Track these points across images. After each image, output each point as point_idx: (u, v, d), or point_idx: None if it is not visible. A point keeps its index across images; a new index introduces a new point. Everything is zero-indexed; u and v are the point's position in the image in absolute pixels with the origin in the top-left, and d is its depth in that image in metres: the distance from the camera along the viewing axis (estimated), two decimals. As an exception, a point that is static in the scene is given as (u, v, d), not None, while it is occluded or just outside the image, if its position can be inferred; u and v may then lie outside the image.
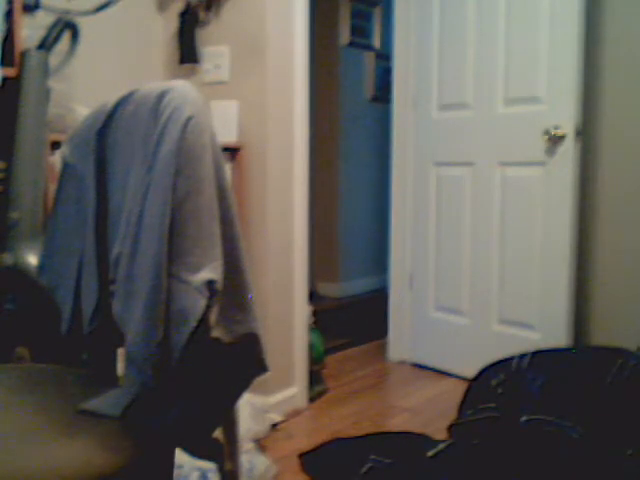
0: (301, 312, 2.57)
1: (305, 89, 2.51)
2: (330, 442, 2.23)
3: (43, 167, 1.75)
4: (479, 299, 2.90)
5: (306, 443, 2.25)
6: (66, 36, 1.93)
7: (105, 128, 1.12)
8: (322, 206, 4.76)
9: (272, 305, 2.43)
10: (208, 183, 0.92)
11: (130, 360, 0.93)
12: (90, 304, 1.11)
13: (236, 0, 2.41)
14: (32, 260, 1.68)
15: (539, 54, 2.63)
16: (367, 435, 2.29)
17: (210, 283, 0.89)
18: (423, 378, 2.98)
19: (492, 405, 1.95)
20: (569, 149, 2.56)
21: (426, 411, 2.57)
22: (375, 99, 4.88)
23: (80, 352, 1.26)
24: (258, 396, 2.32)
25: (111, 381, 1.12)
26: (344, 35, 4.62)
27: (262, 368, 1.00)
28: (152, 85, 1.03)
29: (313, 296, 3.67)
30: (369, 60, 4.82)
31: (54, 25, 1.87)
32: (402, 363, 3.20)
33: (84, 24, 2.17)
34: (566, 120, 2.55)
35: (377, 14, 4.88)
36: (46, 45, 1.84)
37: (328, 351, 3.28)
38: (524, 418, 1.83)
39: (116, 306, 0.98)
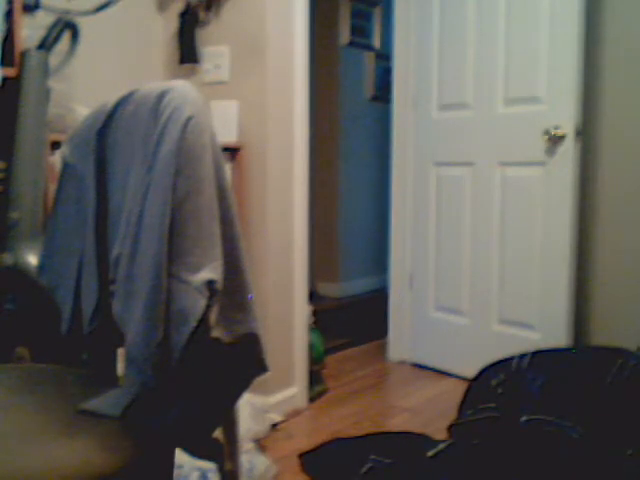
0: (301, 312, 2.57)
1: (305, 89, 2.51)
2: (330, 442, 2.23)
3: (43, 167, 1.75)
4: (479, 299, 2.90)
5: (306, 443, 2.25)
6: (66, 36, 1.93)
7: (105, 128, 1.12)
8: (322, 206, 4.76)
9: (272, 305, 2.43)
10: (208, 183, 0.92)
11: (130, 360, 0.93)
12: (90, 304, 1.11)
13: (236, 0, 2.41)
14: (32, 260, 1.68)
15: (539, 54, 2.63)
16: (367, 435, 2.29)
17: (210, 283, 0.89)
18: (423, 378, 2.98)
19: (492, 405, 1.95)
20: (569, 149, 2.56)
21: (426, 411, 2.57)
22: (375, 99, 4.88)
23: (80, 352, 1.26)
24: (258, 396, 2.32)
25: (111, 381, 1.12)
26: (344, 35, 4.62)
27: (262, 368, 1.00)
28: (152, 85, 1.03)
29: (313, 296, 3.67)
30: (369, 60, 4.82)
31: (54, 25, 1.87)
32: (402, 363, 3.20)
33: (84, 24, 2.17)
34: (566, 120, 2.55)
35: (377, 14, 4.88)
36: (46, 45, 1.84)
37: (328, 351, 3.28)
38: (524, 418, 1.83)
39: (116, 306, 0.98)
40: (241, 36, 2.40)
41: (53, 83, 1.92)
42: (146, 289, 0.90)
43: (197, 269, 0.89)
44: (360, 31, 4.74)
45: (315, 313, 2.77)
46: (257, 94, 2.37)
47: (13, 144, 1.72)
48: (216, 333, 0.93)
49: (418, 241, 3.14)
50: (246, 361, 1.00)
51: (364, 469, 1.97)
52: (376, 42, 4.88)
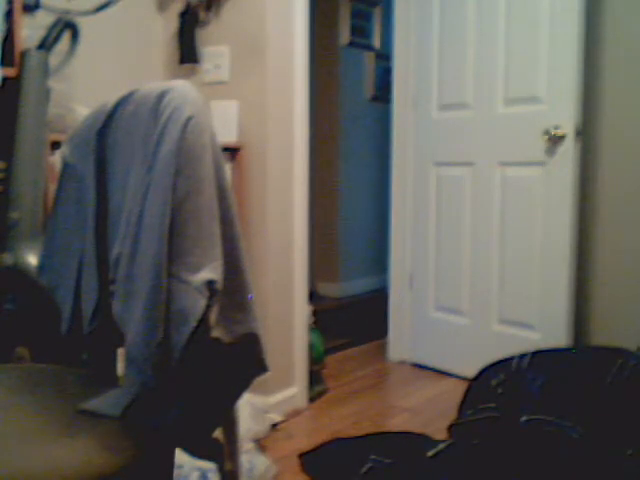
0: (301, 312, 2.57)
1: (305, 89, 2.51)
2: (330, 442, 2.23)
3: (43, 167, 1.75)
4: (479, 299, 2.90)
5: (306, 443, 2.25)
6: (66, 36, 1.93)
7: (105, 128, 1.12)
8: (322, 206, 4.76)
9: (272, 305, 2.43)
10: (208, 183, 0.92)
11: (130, 360, 0.93)
12: (90, 304, 1.11)
13: (236, 0, 2.41)
14: (32, 260, 1.68)
15: (539, 54, 2.63)
16: (367, 435, 2.29)
17: (210, 283, 0.89)
18: (423, 378, 2.98)
19: (492, 405, 1.95)
20: (569, 149, 2.56)
21: (426, 411, 2.57)
22: (375, 99, 4.88)
23: (80, 352, 1.26)
24: (258, 396, 2.32)
25: (111, 381, 1.12)
26: (344, 35, 4.62)
27: (262, 368, 1.00)
28: (152, 85, 1.03)
29: (313, 296, 3.67)
30: (369, 60, 4.82)
31: (54, 25, 1.87)
32: (402, 363, 3.20)
33: (84, 24, 2.17)
34: (566, 120, 2.55)
35: (377, 14, 4.88)
36: (46, 45, 1.84)
37: (328, 351, 3.28)
38: (524, 418, 1.83)
39: (116, 306, 0.98)
40: (241, 36, 2.40)
41: (53, 83, 1.92)
42: (146, 289, 0.90)
43: (197, 269, 0.89)
44: (360, 31, 4.74)
45: (315, 313, 2.77)
46: (257, 94, 2.37)
47: (13, 144, 1.72)
48: (216, 333, 0.93)
49: (418, 241, 3.14)
50: (246, 361, 1.00)
51: (364, 469, 1.97)
52: (376, 42, 4.88)
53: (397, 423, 2.45)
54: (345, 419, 2.48)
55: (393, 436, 2.28)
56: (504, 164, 2.79)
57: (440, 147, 3.02)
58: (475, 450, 1.85)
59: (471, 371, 2.31)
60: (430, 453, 1.92)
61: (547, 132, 2.59)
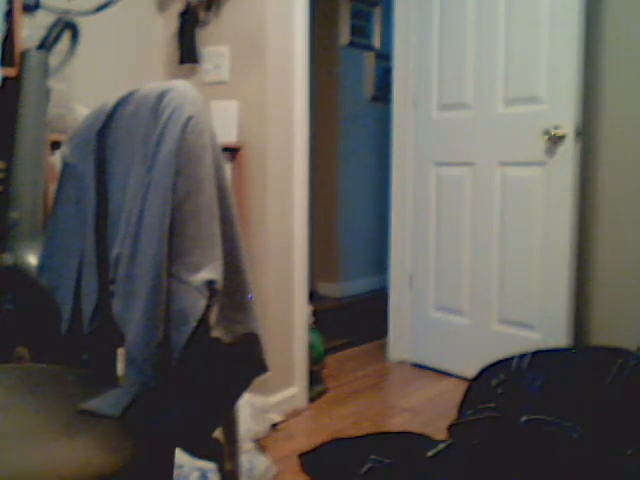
0: (301, 312, 2.57)
1: (305, 89, 2.51)
2: (330, 442, 2.23)
3: (43, 167, 1.75)
4: (479, 299, 2.90)
5: (306, 443, 2.25)
6: (66, 36, 1.93)
7: (105, 128, 1.12)
8: (322, 206, 4.76)
9: (272, 305, 2.43)
10: (208, 183, 0.92)
11: (130, 360, 0.93)
12: (90, 304, 1.11)
13: (236, 0, 2.41)
14: (32, 260, 1.68)
15: (539, 54, 2.63)
16: (367, 435, 2.29)
17: (210, 283, 0.89)
18: (423, 378, 2.98)
19: (492, 405, 1.95)
20: (569, 149, 2.56)
21: (426, 411, 2.57)
22: (375, 99, 4.88)
23: (80, 352, 1.26)
24: (258, 396, 2.32)
25: (111, 381, 1.12)
26: (344, 35, 4.62)
27: (262, 368, 1.00)
28: (152, 85, 1.03)
29: (313, 296, 3.67)
30: (369, 60, 4.82)
31: (54, 25, 1.87)
32: (402, 363, 3.20)
33: (84, 24, 2.17)
34: (566, 120, 2.55)
35: (377, 14, 4.88)
36: (46, 45, 1.84)
37: (328, 351, 3.27)
38: (524, 418, 1.83)
39: (116, 306, 0.98)
40: (241, 36, 2.40)
41: (53, 83, 1.92)
42: (146, 289, 0.90)
43: (197, 269, 0.89)
44: (360, 31, 4.74)
45: (315, 313, 2.77)
46: (257, 94, 2.37)
47: (13, 144, 1.72)
48: (216, 333, 0.93)
49: (418, 241, 3.14)
50: (246, 361, 1.00)
51: (364, 469, 1.97)
52: (376, 42, 4.88)
53: (397, 423, 2.45)
54: (345, 419, 2.48)
55: (393, 436, 2.28)
56: (504, 164, 2.79)
57: (440, 147, 3.02)
58: (475, 450, 1.85)
59: (471, 371, 2.31)
60: (430, 453, 1.92)
61: (547, 132, 2.59)
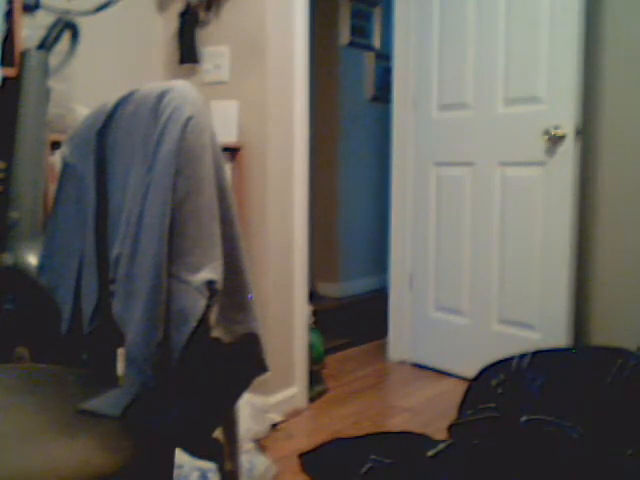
0: (301, 312, 2.57)
1: (305, 89, 2.51)
2: (330, 442, 2.23)
3: (43, 167, 1.75)
4: (479, 299, 2.90)
5: (306, 443, 2.25)
6: (66, 36, 1.93)
7: (105, 128, 1.12)
8: (322, 206, 4.76)
9: (272, 305, 2.43)
10: (208, 183, 0.92)
11: (130, 360, 0.93)
12: (90, 304, 1.11)
13: (236, 0, 2.41)
14: (32, 260, 1.68)
15: (539, 54, 2.63)
16: (367, 435, 2.29)
17: (210, 283, 0.89)
18: (423, 378, 2.98)
19: (492, 405, 1.95)
20: (569, 149, 2.56)
21: (426, 411, 2.57)
22: (375, 99, 4.88)
23: (80, 352, 1.26)
24: (258, 396, 2.32)
25: (111, 381, 1.12)
26: (344, 35, 4.62)
27: (262, 368, 1.00)
28: (152, 85, 1.03)
29: (313, 296, 3.67)
30: (369, 60, 4.82)
31: (54, 25, 1.87)
32: (402, 363, 3.20)
33: (84, 24, 2.17)
34: (566, 120, 2.55)
35: (377, 14, 4.88)
36: (46, 45, 1.84)
37: (328, 351, 3.27)
38: (524, 418, 1.83)
39: (116, 306, 0.98)
40: (241, 36, 2.40)
41: (53, 83, 1.92)
42: (146, 289, 0.90)
43: (197, 269, 0.89)
44: (360, 31, 4.74)
45: (315, 313, 2.77)
46: (257, 94, 2.37)
47: (13, 144, 1.72)
48: (216, 333, 0.93)
49: (418, 241, 3.14)
50: (246, 361, 1.00)
51: (364, 469, 1.97)
52: (376, 42, 4.88)
53: (397, 423, 2.45)
54: (345, 419, 2.48)
55: (393, 436, 2.28)
56: (504, 164, 2.79)
57: (440, 147, 3.02)
58: (475, 450, 1.85)
59: (471, 371, 2.31)
60: (430, 453, 1.92)
61: (547, 132, 2.59)
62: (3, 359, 1.67)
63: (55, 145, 1.85)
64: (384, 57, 4.82)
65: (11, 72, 1.75)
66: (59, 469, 0.82)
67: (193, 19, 2.50)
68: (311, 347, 2.69)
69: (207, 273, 0.89)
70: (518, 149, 2.73)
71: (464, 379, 2.88)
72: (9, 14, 1.75)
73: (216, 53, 2.48)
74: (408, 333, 3.20)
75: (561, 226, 2.60)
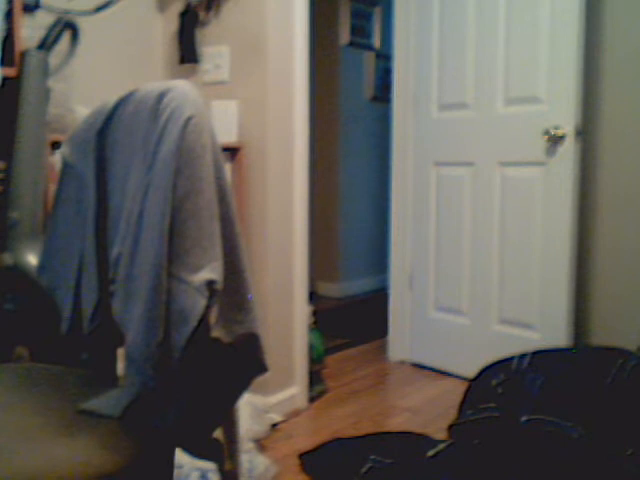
0: (301, 312, 2.57)
1: (305, 89, 2.51)
2: (330, 442, 2.23)
3: (43, 167, 1.75)
4: (479, 299, 2.90)
5: (306, 443, 2.25)
6: (66, 36, 1.93)
7: (105, 128, 1.12)
8: (322, 206, 4.76)
9: (272, 305, 2.43)
10: (208, 183, 0.92)
11: (130, 360, 0.93)
12: (90, 304, 1.11)
13: (236, 0, 2.41)
14: (32, 260, 1.68)
15: (539, 54, 2.63)
16: (367, 435, 2.29)
17: (210, 283, 0.89)
18: (423, 378, 2.98)
19: (492, 405, 1.95)
20: (569, 149, 2.56)
21: (426, 411, 2.57)
22: (375, 99, 4.88)
23: (80, 352, 1.26)
24: (258, 396, 2.32)
25: (111, 381, 1.12)
26: (344, 35, 4.62)
27: (262, 368, 1.01)
28: (152, 85, 1.03)
29: (313, 296, 3.67)
30: (369, 60, 4.82)
31: (54, 25, 1.87)
32: (402, 363, 3.20)
33: (84, 24, 2.17)
34: (566, 120, 2.55)
35: (377, 14, 4.88)
36: (46, 45, 1.84)
37: (328, 351, 3.28)
38: (524, 418, 1.83)
39: (116, 306, 0.98)
40: (241, 36, 2.41)
41: (53, 83, 1.92)
42: (146, 289, 0.90)
43: (197, 269, 0.89)
44: (360, 31, 4.74)
45: (315, 313, 2.77)
46: (257, 94, 2.37)
47: (13, 144, 1.72)
48: (216, 333, 0.93)
49: (418, 241, 3.14)
50: (246, 361, 1.00)
51: (364, 469, 1.97)
52: (376, 42, 4.88)
53: (397, 423, 2.45)
54: (345, 419, 2.48)
55: (393, 436, 2.28)
56: (504, 164, 2.79)
57: (440, 147, 3.02)
58: (475, 450, 1.85)
59: (471, 371, 2.31)
60: (430, 453, 1.92)
61: (547, 132, 2.59)
62: (3, 359, 1.67)
63: (55, 145, 1.85)
64: (384, 57, 4.82)
65: (11, 72, 1.75)
66: (59, 469, 0.82)
67: (193, 19, 2.50)
68: (311, 347, 2.69)
69: (207, 273, 0.89)
70: (518, 149, 2.73)
71: (464, 379, 2.88)
72: (9, 14, 1.75)
73: (216, 53, 2.48)
74: (408, 333, 3.20)
75: (561, 226, 2.60)
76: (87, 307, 1.12)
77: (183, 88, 0.96)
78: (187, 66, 2.57)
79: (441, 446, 1.92)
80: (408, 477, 1.94)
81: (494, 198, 2.83)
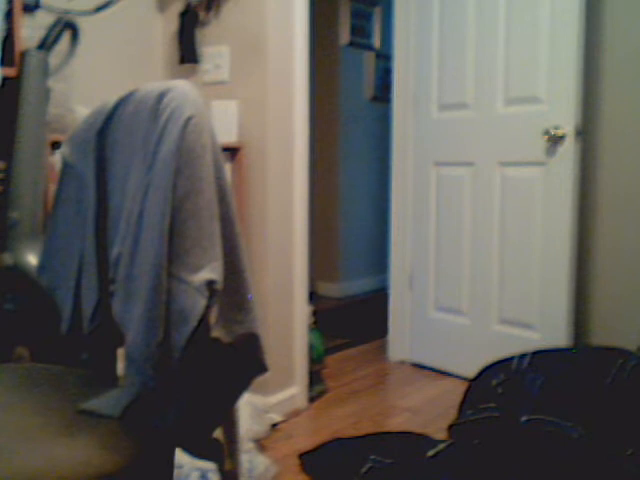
0: (301, 312, 2.57)
1: (305, 89, 2.51)
2: (330, 442, 2.23)
3: (43, 167, 1.75)
4: (479, 299, 2.90)
5: (306, 443, 2.25)
6: (66, 36, 1.93)
7: (105, 128, 1.12)
8: (322, 206, 4.76)
9: (272, 305, 2.43)
10: (208, 183, 0.92)
11: (130, 360, 0.93)
12: (90, 304, 1.11)
13: (236, 0, 2.41)
14: (32, 260, 1.68)
15: (539, 54, 2.63)
16: (367, 435, 2.29)
17: (210, 283, 0.89)
18: (423, 378, 2.98)
19: (492, 405, 1.95)
20: (569, 149, 2.56)
21: (426, 411, 2.57)
22: (375, 99, 4.88)
23: (80, 352, 1.26)
24: (258, 396, 2.32)
25: (111, 381, 1.12)
26: (344, 35, 4.62)
27: (262, 368, 1.01)
28: (152, 85, 1.03)
29: (313, 296, 3.67)
30: (369, 60, 4.82)
31: (54, 25, 1.87)
32: (402, 363, 3.20)
33: (84, 24, 2.17)
34: (566, 120, 2.55)
35: (377, 14, 4.88)
36: (46, 45, 1.84)
37: (328, 351, 3.28)
38: (524, 418, 1.83)
39: (116, 306, 0.98)
40: (241, 36, 2.41)
41: (53, 83, 1.92)
42: (146, 289, 0.90)
43: (197, 269, 0.89)
44: (360, 31, 4.74)
45: (315, 313, 2.77)
46: (257, 94, 2.37)
47: (13, 144, 1.72)
48: (216, 333, 0.93)
49: (418, 241, 3.14)
50: (246, 361, 1.00)
51: (364, 469, 1.97)
52: (376, 42, 4.88)
53: (397, 423, 2.45)
54: (345, 419, 2.48)
55: (393, 436, 2.28)
56: (504, 164, 2.79)
57: (440, 147, 3.02)
58: (475, 450, 1.85)
59: (471, 371, 2.31)
60: (430, 453, 1.92)
61: (547, 132, 2.59)
62: (3, 359, 1.67)
63: (55, 145, 1.85)
64: (384, 57, 4.82)
65: (11, 72, 1.75)
66: (59, 469, 0.82)
67: (193, 19, 2.50)
68: (311, 347, 2.69)
69: (207, 273, 0.89)
70: (518, 149, 2.73)
71: (464, 379, 2.88)
72: (9, 14, 1.75)
73: (216, 53, 2.48)
74: (408, 333, 3.20)
75: (561, 226, 2.60)
76: (87, 307, 1.12)
77: (183, 88, 0.96)
78: (187, 66, 2.57)
79: (441, 446, 1.92)
80: (408, 477, 1.94)
81: (494, 198, 2.83)
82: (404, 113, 3.15)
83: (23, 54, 1.75)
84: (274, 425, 2.37)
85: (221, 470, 1.03)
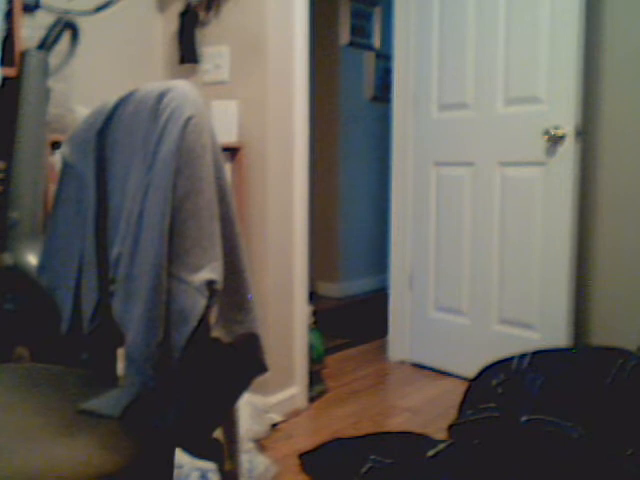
0: (301, 312, 2.57)
1: (305, 89, 2.51)
2: (330, 442, 2.23)
3: (43, 167, 1.75)
4: (479, 299, 2.90)
5: (306, 443, 2.25)
6: (66, 36, 1.93)
7: (105, 128, 1.12)
8: (322, 206, 4.76)
9: (272, 305, 2.43)
10: (208, 183, 0.92)
11: (130, 360, 0.93)
12: (90, 304, 1.11)
13: (236, 0, 2.41)
14: (32, 260, 1.68)
15: (539, 54, 2.63)
16: (367, 435, 2.29)
17: (210, 283, 0.89)
18: (423, 378, 2.98)
19: (492, 405, 1.95)
20: (569, 149, 2.56)
21: (426, 411, 2.57)
22: (375, 99, 4.88)
23: (80, 352, 1.26)
24: (258, 396, 2.32)
25: (111, 381, 1.12)
26: (344, 35, 4.62)
27: (262, 368, 1.01)
28: (152, 85, 1.03)
29: (313, 296, 3.67)
30: (369, 60, 4.82)
31: (54, 25, 1.87)
32: (402, 363, 3.20)
33: (84, 24, 2.17)
34: (566, 120, 2.55)
35: (377, 14, 4.88)
36: (46, 45, 1.84)
37: (328, 351, 3.28)
38: (524, 418, 1.83)
39: (116, 306, 0.98)
40: (241, 36, 2.41)
41: (53, 83, 1.92)
42: (146, 289, 0.90)
43: (197, 269, 0.89)
44: (360, 31, 4.74)
45: (315, 313, 2.77)
46: (257, 94, 2.37)
47: (13, 144, 1.72)
48: (216, 333, 0.93)
49: (418, 241, 3.14)
50: (246, 361, 1.00)
51: (364, 469, 1.97)
52: (376, 42, 4.88)
53: (397, 423, 2.45)
54: (345, 419, 2.48)
55: (393, 436, 2.28)
56: (504, 164, 2.79)
57: (440, 147, 3.02)
58: (475, 450, 1.85)
59: (471, 371, 2.31)
60: (430, 453, 1.92)
61: (547, 132, 2.59)
62: (3, 359, 1.67)
63: (55, 145, 1.85)
64: (384, 57, 4.82)
65: (11, 72, 1.75)
66: (59, 469, 0.82)
67: (193, 19, 2.50)
68: (311, 347, 2.69)
69: (207, 273, 0.89)
70: (518, 149, 2.73)
71: (464, 379, 2.88)
72: (9, 14, 1.75)
73: (216, 53, 2.48)
74: (408, 333, 3.20)
75: (561, 226, 2.60)
76: (87, 307, 1.12)
77: (183, 88, 0.96)
78: (187, 66, 2.57)
79: (441, 446, 1.92)
80: (408, 477, 1.94)
81: (494, 198, 2.83)
82: (404, 113, 3.15)
83: (23, 54, 1.75)
84: (274, 425, 2.37)
85: (221, 470, 1.03)
